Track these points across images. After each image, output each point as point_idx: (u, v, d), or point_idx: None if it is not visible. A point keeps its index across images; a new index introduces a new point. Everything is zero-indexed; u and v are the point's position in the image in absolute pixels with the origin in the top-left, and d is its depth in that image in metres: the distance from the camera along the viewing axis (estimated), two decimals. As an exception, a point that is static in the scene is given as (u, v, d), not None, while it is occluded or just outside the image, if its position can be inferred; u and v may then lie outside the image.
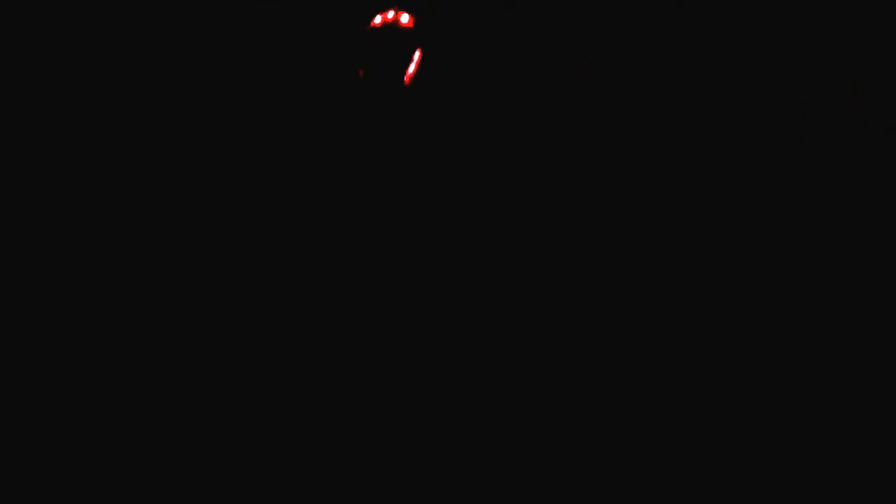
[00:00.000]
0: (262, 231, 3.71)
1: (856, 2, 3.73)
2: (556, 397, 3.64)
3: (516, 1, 3.78)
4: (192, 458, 3.56)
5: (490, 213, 3.74)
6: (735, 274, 3.69)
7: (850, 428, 3.58)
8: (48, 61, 3.73)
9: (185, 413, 3.59)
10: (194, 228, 3.70)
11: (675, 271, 3.71)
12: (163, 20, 3.76)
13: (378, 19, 3.58)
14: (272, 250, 3.71)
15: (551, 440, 3.61)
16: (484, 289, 3.71)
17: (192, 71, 3.76)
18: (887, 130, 3.71)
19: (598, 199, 3.75)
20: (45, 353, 3.61)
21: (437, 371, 3.67)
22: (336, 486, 3.57)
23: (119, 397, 3.59)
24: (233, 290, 3.69)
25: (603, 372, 3.66)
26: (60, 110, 3.72)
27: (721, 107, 3.75)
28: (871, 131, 3.72)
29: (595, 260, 3.72)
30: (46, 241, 3.67)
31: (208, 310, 3.67)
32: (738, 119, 3.74)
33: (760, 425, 3.60)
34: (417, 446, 3.61)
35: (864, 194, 3.70)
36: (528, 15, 3.79)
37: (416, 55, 3.45)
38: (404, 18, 3.53)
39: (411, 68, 3.56)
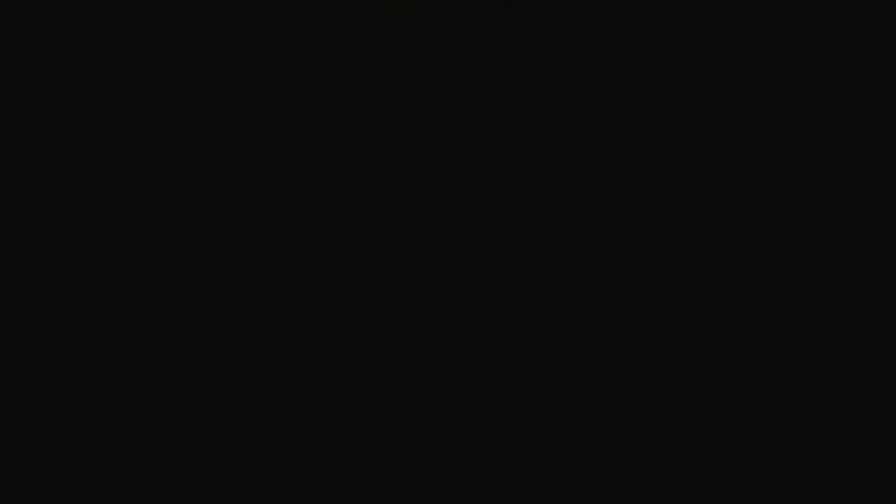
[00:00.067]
0: (262, 231, 3.71)
1: (856, 2, 3.73)
2: (556, 397, 3.64)
3: (516, 1, 3.77)
4: (191, 458, 3.55)
5: (490, 213, 3.73)
6: (735, 274, 3.69)
7: (850, 428, 3.58)
8: (47, 61, 3.72)
9: (185, 413, 3.59)
10: (194, 228, 3.70)
11: (675, 271, 3.70)
12: (162, 24, 3.75)
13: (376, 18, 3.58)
14: (272, 251, 3.71)
15: (551, 440, 3.60)
16: (484, 289, 3.71)
17: (192, 73, 3.75)
18: (887, 130, 3.71)
19: (598, 200, 3.74)
20: (44, 353, 3.60)
21: (437, 371, 3.66)
22: (336, 486, 3.56)
23: (119, 397, 3.59)
24: (233, 290, 3.68)
25: (603, 372, 3.65)
26: (59, 111, 3.72)
27: (721, 107, 3.74)
28: (871, 131, 3.71)
29: (595, 260, 3.71)
30: (46, 241, 3.66)
31: (208, 310, 3.66)
32: (738, 119, 3.73)
33: (760, 425, 3.60)
34: (417, 446, 3.60)
35: (865, 194, 3.70)
36: (528, 15, 3.78)
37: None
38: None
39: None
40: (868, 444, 3.56)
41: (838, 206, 3.70)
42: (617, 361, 3.66)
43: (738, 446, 3.59)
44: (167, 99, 3.73)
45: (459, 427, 3.62)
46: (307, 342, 3.66)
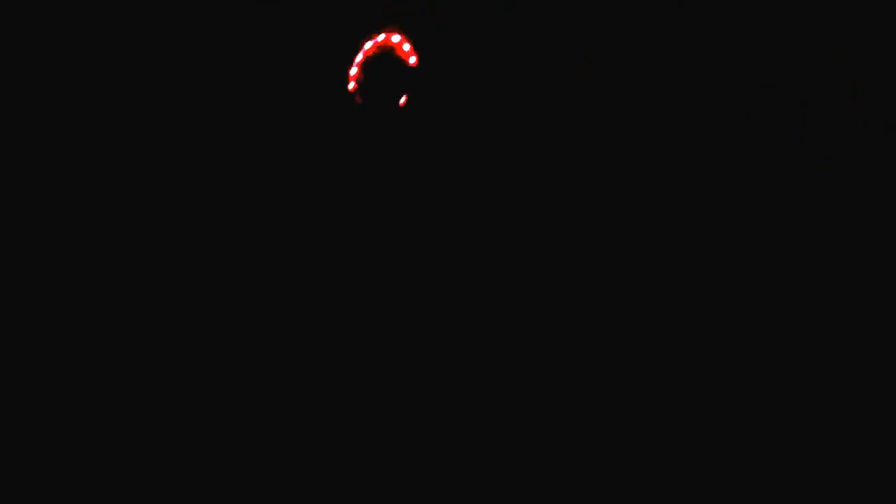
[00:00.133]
0: (262, 233, 3.71)
1: (856, 2, 3.73)
2: (556, 397, 3.64)
3: (516, 1, 3.78)
4: (192, 458, 3.55)
5: (490, 213, 3.74)
6: (735, 273, 3.69)
7: (850, 428, 3.58)
8: (47, 61, 3.72)
9: (185, 413, 3.59)
10: (196, 232, 3.70)
11: (675, 271, 3.70)
12: (162, 23, 3.76)
13: (370, 44, 3.59)
14: (273, 252, 3.71)
15: (551, 440, 3.60)
16: (483, 290, 3.71)
17: (191, 73, 3.76)
18: (887, 130, 3.71)
19: (598, 200, 3.74)
20: (44, 353, 3.61)
21: (437, 371, 3.66)
22: (336, 486, 3.56)
23: (119, 397, 3.59)
24: (234, 290, 3.68)
25: (602, 372, 3.65)
26: (59, 111, 3.72)
27: (721, 107, 3.74)
28: (871, 131, 3.71)
29: (595, 260, 3.71)
30: (46, 241, 3.66)
31: (209, 311, 3.67)
32: (738, 119, 3.73)
33: (760, 425, 3.60)
34: (417, 446, 3.60)
35: (865, 194, 3.70)
36: (528, 15, 3.78)
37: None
38: (396, 39, 3.55)
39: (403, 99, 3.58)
40: (868, 444, 3.56)
41: (838, 206, 3.70)
42: (617, 361, 3.66)
43: (737, 446, 3.59)
44: (167, 99, 3.73)
45: (459, 426, 3.62)
46: (307, 341, 3.66)
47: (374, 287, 3.70)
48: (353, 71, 3.66)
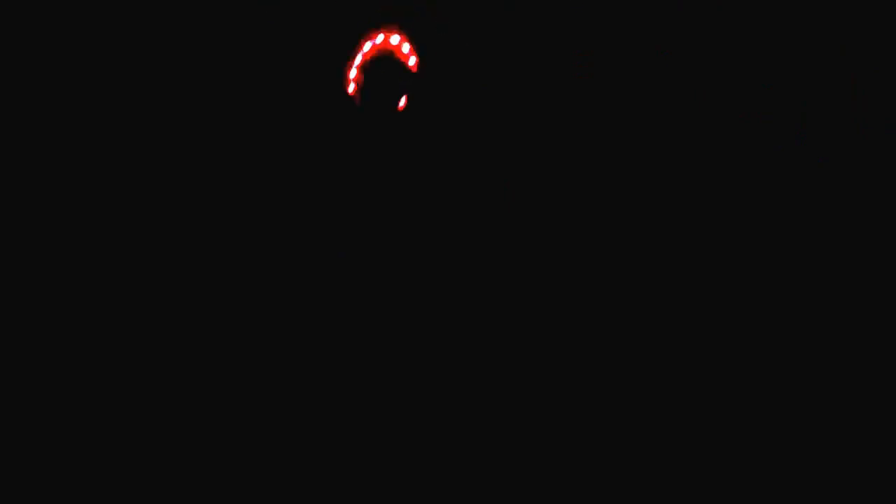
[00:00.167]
0: (262, 233, 3.71)
1: (856, 2, 3.73)
2: (556, 397, 3.64)
3: (516, 1, 3.78)
4: (192, 458, 3.56)
5: (490, 213, 3.74)
6: (735, 274, 3.69)
7: (850, 428, 3.58)
8: (47, 61, 3.72)
9: (185, 413, 3.59)
10: (196, 231, 3.70)
11: (675, 271, 3.70)
12: (162, 24, 3.76)
13: (368, 46, 3.60)
14: (273, 252, 3.71)
15: (551, 440, 3.61)
16: (483, 290, 3.71)
17: (191, 74, 3.75)
18: (887, 130, 3.71)
19: (598, 201, 3.74)
20: (44, 353, 3.61)
21: (436, 371, 3.66)
22: (336, 486, 3.57)
23: (119, 398, 3.59)
24: (234, 290, 3.68)
25: (603, 372, 3.66)
26: (59, 111, 3.72)
27: (721, 107, 3.74)
28: (872, 131, 3.71)
29: (596, 261, 3.72)
30: (46, 241, 3.66)
31: (209, 311, 3.67)
32: (738, 119, 3.73)
33: (760, 425, 3.60)
34: (417, 446, 3.60)
35: (865, 194, 3.70)
36: (528, 15, 3.78)
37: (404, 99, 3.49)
38: (395, 40, 3.55)
39: (402, 101, 3.58)
40: (868, 444, 3.57)
41: (838, 206, 3.70)
42: (616, 361, 3.66)
43: (737, 446, 3.59)
44: (166, 99, 3.73)
45: (458, 426, 3.62)
46: (307, 341, 3.66)
47: (373, 287, 3.70)
48: (353, 73, 3.66)
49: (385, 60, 3.62)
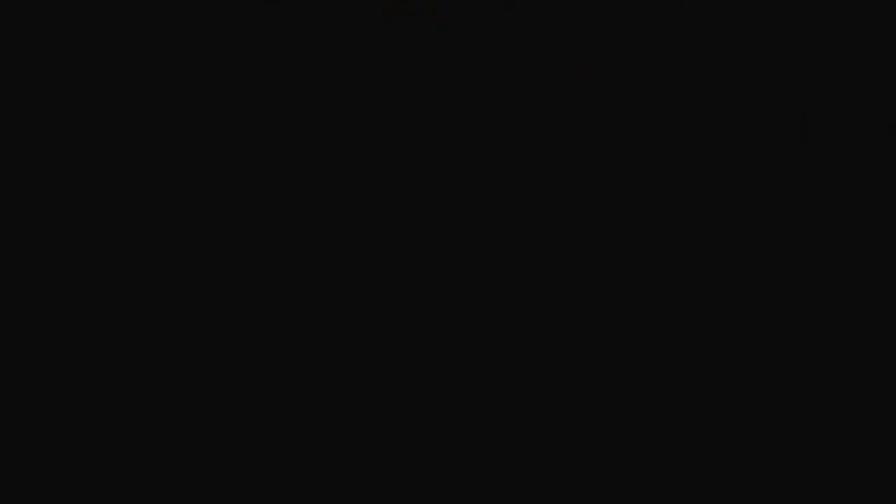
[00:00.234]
0: (262, 232, 3.71)
1: (856, 2, 3.72)
2: (556, 398, 3.64)
3: (516, 1, 3.77)
4: (192, 458, 3.55)
5: (490, 213, 3.73)
6: (735, 274, 3.69)
7: (850, 428, 3.58)
8: (47, 62, 3.72)
9: (185, 413, 3.59)
10: (194, 229, 3.70)
11: (674, 271, 3.70)
12: (162, 24, 3.75)
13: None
14: (272, 251, 3.71)
15: (551, 440, 3.60)
16: (483, 290, 3.71)
17: (191, 74, 3.75)
18: (887, 130, 3.71)
19: (598, 200, 3.74)
20: (45, 353, 3.61)
21: (437, 371, 3.66)
22: (336, 486, 3.56)
23: (119, 398, 3.59)
24: (234, 291, 3.68)
25: (603, 372, 3.65)
26: (58, 111, 3.72)
27: (721, 107, 3.74)
28: (871, 131, 3.71)
29: (596, 262, 3.71)
30: (45, 241, 3.66)
31: (209, 312, 3.66)
32: (738, 119, 3.73)
33: (760, 425, 3.60)
34: (417, 446, 3.60)
35: (865, 194, 3.70)
36: (528, 15, 3.78)
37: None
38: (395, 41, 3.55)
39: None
40: (868, 444, 3.56)
41: (838, 205, 3.70)
42: (617, 362, 3.66)
43: (737, 446, 3.59)
44: (166, 99, 3.73)
45: (458, 427, 3.62)
46: (307, 342, 3.66)
47: (373, 286, 3.70)
48: (351, 76, 3.66)
49: (383, 61, 3.63)
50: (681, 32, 3.76)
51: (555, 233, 3.72)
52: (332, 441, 3.59)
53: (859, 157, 3.70)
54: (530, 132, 3.76)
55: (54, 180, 3.69)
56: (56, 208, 3.67)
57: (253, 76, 3.75)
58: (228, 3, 3.74)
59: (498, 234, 3.72)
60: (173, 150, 3.72)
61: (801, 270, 3.68)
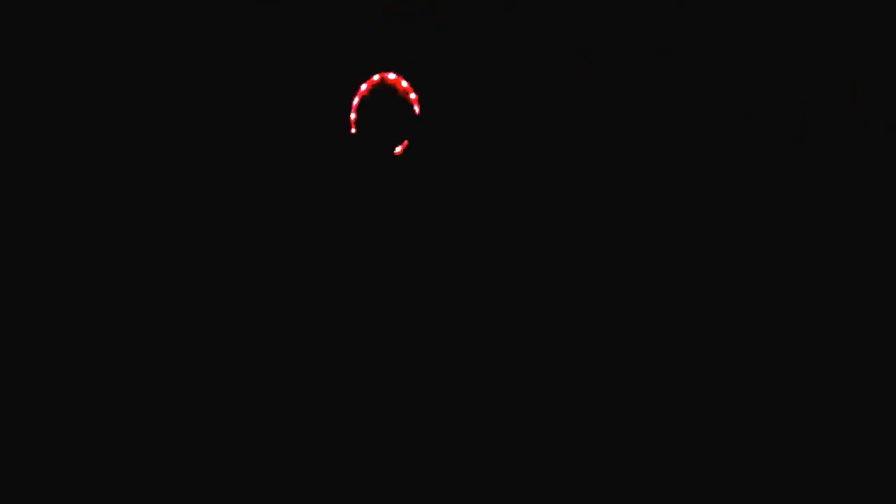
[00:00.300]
0: (263, 232, 3.71)
1: (856, 2, 3.73)
2: (556, 398, 3.64)
3: (516, 3, 3.78)
4: (192, 458, 3.55)
5: (490, 213, 3.74)
6: (735, 274, 3.69)
7: (851, 428, 3.58)
8: (47, 62, 3.72)
9: (185, 413, 3.59)
10: (195, 229, 3.70)
11: (675, 271, 3.70)
12: (162, 24, 3.76)
13: (364, 86, 3.61)
14: (273, 251, 3.71)
15: (551, 440, 3.60)
16: (483, 289, 3.71)
17: (190, 74, 3.75)
18: (887, 130, 3.71)
19: (597, 199, 3.74)
20: (45, 353, 3.61)
21: (436, 372, 3.66)
22: (336, 486, 3.56)
23: (119, 398, 3.59)
24: (235, 291, 3.68)
25: (603, 373, 3.65)
26: (59, 111, 3.72)
27: (721, 107, 3.74)
28: (871, 131, 3.71)
29: (596, 262, 3.71)
30: (46, 241, 3.66)
31: (209, 312, 3.67)
32: (738, 119, 3.73)
33: (760, 425, 3.60)
34: (416, 446, 3.60)
35: (865, 194, 3.70)
36: (528, 16, 3.78)
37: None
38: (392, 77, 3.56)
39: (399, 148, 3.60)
40: (868, 444, 3.56)
41: (838, 206, 3.70)
42: (616, 361, 3.66)
43: (737, 446, 3.59)
44: (165, 99, 3.73)
45: (458, 427, 3.62)
46: (307, 341, 3.66)
47: (373, 288, 3.70)
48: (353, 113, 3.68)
49: (385, 98, 3.64)
50: (681, 32, 3.76)
51: (555, 232, 3.72)
52: (332, 441, 3.59)
53: (859, 157, 3.71)
54: (530, 132, 3.76)
55: (55, 180, 3.69)
56: (56, 208, 3.68)
57: (252, 77, 3.75)
58: (228, 3, 3.75)
59: (498, 234, 3.72)
60: (171, 151, 3.72)
61: (801, 268, 3.68)
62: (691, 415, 3.60)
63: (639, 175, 3.74)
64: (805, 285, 3.66)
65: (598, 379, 3.64)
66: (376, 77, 3.62)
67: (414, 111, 3.53)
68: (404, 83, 3.58)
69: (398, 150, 3.51)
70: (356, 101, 3.59)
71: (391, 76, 3.61)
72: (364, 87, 3.55)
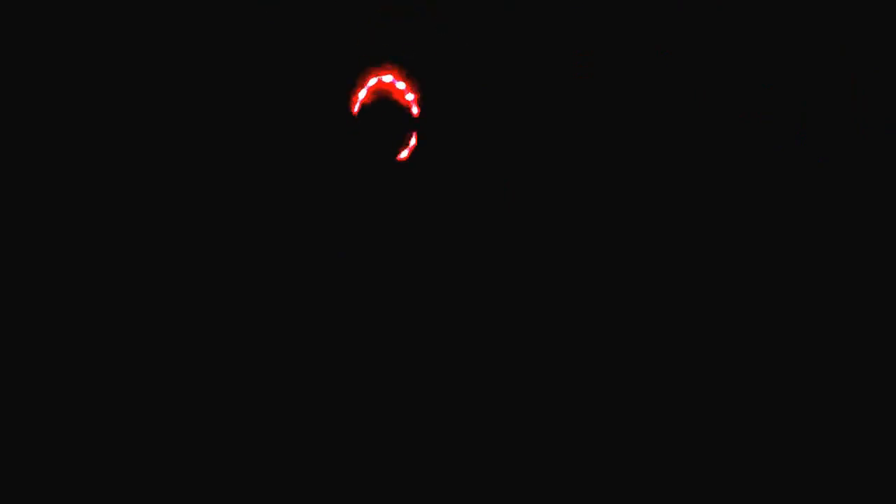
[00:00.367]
0: (262, 232, 3.71)
1: (856, 2, 3.73)
2: (556, 398, 3.64)
3: (517, 3, 3.78)
4: (192, 458, 3.56)
5: (490, 213, 3.74)
6: (735, 273, 3.69)
7: (851, 428, 3.58)
8: (48, 62, 3.72)
9: (185, 413, 3.59)
10: (195, 229, 3.70)
11: (675, 271, 3.70)
12: (162, 23, 3.76)
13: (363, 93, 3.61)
14: (273, 251, 3.71)
15: (551, 440, 3.61)
16: (483, 289, 3.71)
17: (190, 73, 3.76)
18: (887, 130, 3.71)
19: (598, 199, 3.74)
20: (45, 353, 3.61)
21: (436, 372, 3.66)
22: (336, 486, 3.57)
23: (119, 398, 3.59)
24: (234, 291, 3.68)
25: (603, 373, 3.66)
26: (59, 112, 3.72)
27: (721, 107, 3.74)
28: (872, 131, 3.71)
29: (596, 262, 3.71)
30: (46, 241, 3.66)
31: (209, 313, 3.67)
32: (738, 119, 3.73)
33: (760, 425, 3.60)
34: (416, 446, 3.60)
35: (865, 194, 3.70)
36: (528, 16, 3.78)
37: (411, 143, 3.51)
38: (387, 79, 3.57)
39: (405, 153, 3.60)
40: (868, 444, 3.57)
41: (838, 206, 3.70)
42: (617, 361, 3.66)
43: (737, 446, 3.59)
44: (165, 99, 3.73)
45: (458, 427, 3.62)
46: (307, 341, 3.66)
47: (373, 288, 3.71)
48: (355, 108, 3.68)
49: (385, 104, 3.65)
50: (681, 32, 3.76)
51: (555, 232, 3.73)
52: (331, 440, 3.60)
53: (859, 158, 3.71)
54: (530, 132, 3.77)
55: (56, 181, 3.69)
56: (56, 209, 3.68)
57: (252, 76, 3.75)
58: (229, 3, 3.75)
59: (498, 234, 3.72)
60: (171, 151, 3.72)
61: (801, 268, 3.68)
62: (691, 415, 3.61)
63: (639, 175, 3.74)
64: (805, 285, 3.67)
65: (599, 380, 3.64)
66: (373, 81, 3.63)
67: (412, 113, 3.53)
68: (400, 85, 3.58)
69: (404, 154, 3.52)
70: (356, 105, 3.60)
71: (387, 79, 3.61)
72: (363, 93, 3.55)
